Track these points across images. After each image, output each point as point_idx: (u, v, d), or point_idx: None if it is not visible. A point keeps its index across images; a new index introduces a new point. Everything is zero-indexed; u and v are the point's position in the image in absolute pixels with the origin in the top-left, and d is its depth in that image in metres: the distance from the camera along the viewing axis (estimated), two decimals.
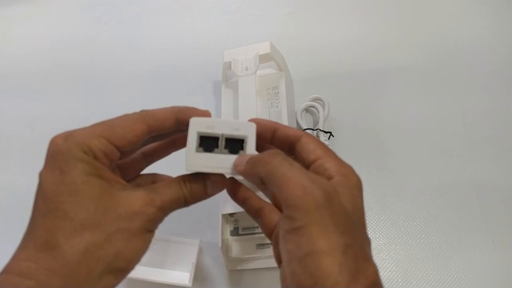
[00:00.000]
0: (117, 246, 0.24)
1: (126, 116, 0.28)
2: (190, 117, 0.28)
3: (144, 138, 0.28)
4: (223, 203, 0.43)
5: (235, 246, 0.44)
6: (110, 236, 0.24)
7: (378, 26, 0.62)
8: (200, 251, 0.47)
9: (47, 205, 0.24)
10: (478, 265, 0.45)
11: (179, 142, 0.32)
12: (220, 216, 0.44)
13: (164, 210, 0.27)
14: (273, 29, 0.63)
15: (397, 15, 0.62)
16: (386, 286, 0.45)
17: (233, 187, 0.31)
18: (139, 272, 0.43)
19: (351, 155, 0.52)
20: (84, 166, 0.25)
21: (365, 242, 0.26)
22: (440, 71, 0.57)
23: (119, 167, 0.30)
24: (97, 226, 0.24)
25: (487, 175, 0.50)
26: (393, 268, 0.46)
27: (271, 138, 0.30)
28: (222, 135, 0.27)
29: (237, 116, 0.46)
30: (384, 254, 0.47)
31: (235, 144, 0.27)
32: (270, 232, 0.29)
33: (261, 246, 0.44)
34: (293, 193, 0.24)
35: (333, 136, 0.51)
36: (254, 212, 0.30)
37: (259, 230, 0.42)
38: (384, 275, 0.46)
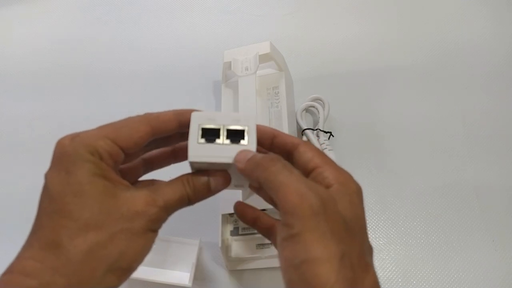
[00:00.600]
0: (120, 246, 0.25)
1: (130, 118, 0.28)
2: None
3: (148, 139, 0.28)
4: (223, 203, 0.43)
5: (235, 246, 0.44)
6: (113, 236, 0.24)
7: (378, 26, 0.62)
8: (200, 251, 0.47)
9: (52, 205, 0.25)
10: (478, 265, 0.45)
11: (180, 154, 0.32)
12: (220, 216, 0.44)
13: (167, 209, 0.27)
14: (273, 29, 0.63)
15: (397, 15, 0.62)
16: (386, 286, 0.45)
17: (242, 210, 0.32)
18: (139, 272, 0.42)
19: (351, 155, 0.52)
20: (89, 166, 0.25)
21: (366, 250, 0.26)
22: (440, 71, 0.57)
23: (120, 172, 0.30)
24: (100, 226, 0.24)
25: (487, 175, 0.50)
26: (393, 268, 0.46)
27: (270, 144, 0.30)
28: (223, 126, 0.28)
29: None
30: (384, 254, 0.47)
31: (236, 135, 0.28)
32: None
33: (261, 246, 0.44)
34: (290, 200, 0.24)
35: (333, 136, 0.51)
36: (265, 230, 0.31)
37: None
38: (384, 275, 0.46)
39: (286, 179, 0.25)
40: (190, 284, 0.43)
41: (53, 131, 0.57)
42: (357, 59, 0.59)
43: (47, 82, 0.62)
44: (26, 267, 0.23)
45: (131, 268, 0.26)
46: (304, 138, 0.50)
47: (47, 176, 0.26)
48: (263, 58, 0.49)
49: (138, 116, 0.28)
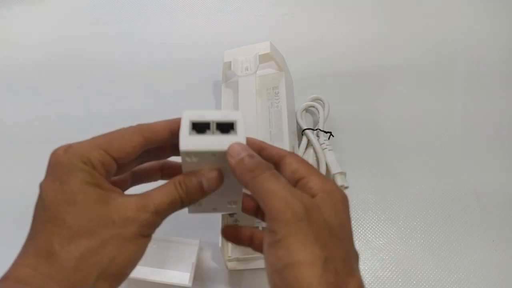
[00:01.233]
0: (112, 252, 0.25)
1: (123, 129, 0.29)
2: None
3: (141, 149, 0.29)
4: None
5: (235, 246, 0.44)
6: (105, 242, 0.25)
7: (379, 26, 0.62)
8: (200, 251, 0.47)
9: (46, 213, 0.25)
10: (478, 265, 0.45)
11: (168, 171, 0.33)
12: (220, 216, 0.44)
13: (159, 214, 0.27)
14: (273, 29, 0.63)
15: (397, 15, 0.62)
16: (386, 286, 0.45)
17: (234, 232, 0.32)
18: (139, 272, 0.43)
19: (351, 155, 0.52)
20: (82, 175, 0.26)
21: (352, 256, 0.26)
22: (441, 71, 0.57)
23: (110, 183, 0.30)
24: (92, 233, 0.25)
25: (487, 175, 0.50)
26: (393, 268, 0.46)
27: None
28: (213, 121, 0.28)
29: None
30: (384, 254, 0.47)
31: (226, 127, 0.28)
32: None
33: None
34: (275, 206, 0.25)
35: (333, 136, 0.51)
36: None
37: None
38: (384, 275, 0.46)
39: (273, 186, 0.26)
40: (190, 284, 0.43)
41: (53, 131, 0.58)
42: (357, 59, 0.59)
43: (47, 82, 0.62)
44: (21, 274, 0.24)
45: (123, 274, 0.26)
46: (304, 138, 0.50)
47: (42, 185, 0.26)
48: (263, 58, 0.49)
49: (131, 127, 0.29)
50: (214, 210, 0.32)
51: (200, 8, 0.66)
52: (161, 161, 0.33)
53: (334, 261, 0.24)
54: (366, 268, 0.46)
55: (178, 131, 0.29)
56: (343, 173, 0.48)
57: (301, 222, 0.24)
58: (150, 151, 0.30)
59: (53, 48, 0.65)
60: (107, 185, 0.27)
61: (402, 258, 0.46)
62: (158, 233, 0.28)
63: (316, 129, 0.51)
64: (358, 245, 0.29)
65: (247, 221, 0.45)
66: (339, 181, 0.46)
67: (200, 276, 0.46)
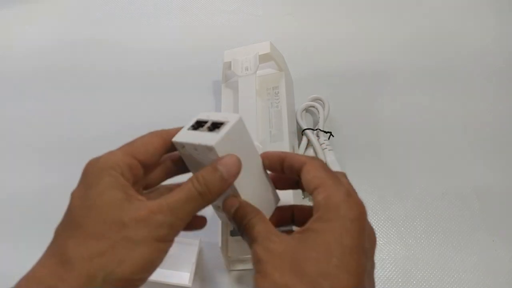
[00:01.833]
0: (120, 254, 0.25)
1: (141, 136, 0.30)
2: None
3: (163, 151, 0.30)
4: None
5: (235, 246, 0.44)
6: (114, 244, 0.25)
7: (379, 27, 0.62)
8: (200, 251, 0.47)
9: (68, 218, 0.27)
10: (478, 265, 0.45)
11: None
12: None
13: (175, 213, 0.26)
14: (273, 29, 0.63)
15: (398, 15, 0.62)
16: (386, 286, 0.45)
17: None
18: None
19: (351, 155, 0.52)
20: (108, 180, 0.27)
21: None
22: (441, 71, 0.57)
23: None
24: (102, 235, 0.25)
25: (488, 175, 0.50)
26: (393, 268, 0.46)
27: (281, 168, 0.31)
28: (211, 120, 0.30)
29: None
30: (384, 254, 0.47)
31: (215, 126, 0.29)
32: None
33: None
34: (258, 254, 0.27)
35: (333, 136, 0.51)
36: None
37: None
38: (384, 275, 0.46)
39: (261, 228, 0.28)
40: (190, 284, 0.43)
41: (53, 131, 0.58)
42: (358, 59, 0.59)
43: (47, 82, 0.62)
44: (37, 274, 0.25)
45: (133, 279, 0.25)
46: (304, 138, 0.50)
47: (73, 192, 0.28)
48: (263, 58, 0.49)
49: (149, 133, 0.30)
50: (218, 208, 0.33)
51: (200, 8, 0.66)
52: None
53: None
54: None
55: None
56: (343, 173, 0.48)
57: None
58: (177, 163, 0.32)
59: (53, 48, 0.65)
60: (131, 191, 0.27)
61: (402, 258, 0.46)
62: (171, 244, 0.27)
63: (316, 129, 0.51)
64: (375, 259, 0.28)
65: None
66: None
67: (200, 276, 0.46)
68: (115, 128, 0.55)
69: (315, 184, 0.28)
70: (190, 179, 0.28)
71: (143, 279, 0.26)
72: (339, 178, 0.28)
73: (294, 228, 0.34)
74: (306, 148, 0.50)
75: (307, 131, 0.50)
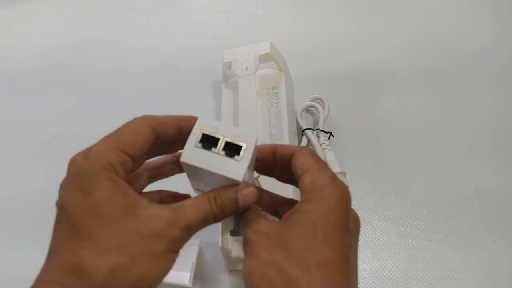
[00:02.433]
0: (141, 268, 0.24)
1: (129, 124, 0.28)
2: (192, 125, 0.28)
3: (152, 141, 0.28)
4: None
5: (235, 246, 0.44)
6: (135, 258, 0.24)
7: (379, 27, 0.62)
8: (200, 251, 0.47)
9: (72, 228, 0.25)
10: (478, 265, 0.45)
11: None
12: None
13: (190, 230, 0.26)
14: (273, 29, 0.63)
15: (398, 16, 0.62)
16: (386, 286, 0.45)
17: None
18: None
19: (351, 155, 0.52)
20: (107, 184, 0.25)
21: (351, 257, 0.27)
22: (441, 71, 0.57)
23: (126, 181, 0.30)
24: (121, 249, 0.24)
25: (488, 175, 0.50)
26: (393, 268, 0.46)
27: (272, 160, 0.31)
28: (223, 137, 0.28)
29: (237, 116, 0.46)
30: (384, 254, 0.47)
31: (232, 149, 0.28)
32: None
33: None
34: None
35: (333, 136, 0.51)
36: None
37: None
38: (384, 275, 0.46)
39: (253, 216, 0.28)
40: (190, 284, 0.43)
41: (53, 131, 0.57)
42: (358, 59, 0.59)
43: (48, 82, 0.62)
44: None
45: None
46: (304, 138, 0.50)
47: (63, 196, 0.25)
48: (263, 58, 0.49)
49: (136, 120, 0.28)
50: None
51: (200, 8, 0.66)
52: (176, 154, 0.32)
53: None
54: (366, 268, 0.46)
55: (184, 128, 0.29)
56: (343, 173, 0.48)
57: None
58: (159, 145, 0.30)
59: (53, 48, 0.65)
60: (133, 192, 0.26)
61: (402, 258, 0.46)
62: (179, 254, 0.27)
63: (316, 129, 0.51)
64: (358, 245, 0.28)
65: None
66: None
67: (200, 276, 0.46)
68: (115, 127, 0.55)
69: (303, 169, 0.28)
70: (208, 198, 0.27)
71: None
72: (326, 165, 0.29)
73: None
74: None
75: (307, 131, 0.50)
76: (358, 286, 0.27)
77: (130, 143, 0.27)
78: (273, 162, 0.31)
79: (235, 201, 0.28)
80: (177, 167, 0.32)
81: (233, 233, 0.45)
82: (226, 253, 0.44)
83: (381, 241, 0.47)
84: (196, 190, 0.33)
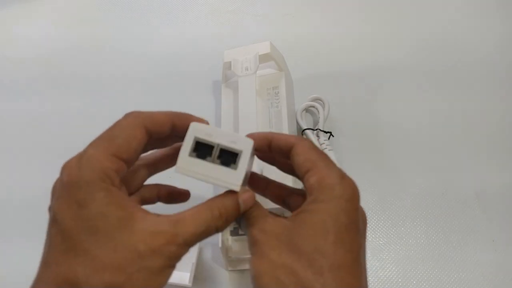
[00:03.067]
0: (138, 286, 0.24)
1: (120, 122, 0.27)
2: (186, 123, 0.28)
3: (145, 142, 0.28)
4: None
5: (235, 246, 0.44)
6: (131, 276, 0.23)
7: (379, 26, 0.62)
8: (200, 251, 0.47)
9: (66, 242, 0.24)
10: (478, 265, 0.45)
11: None
12: None
13: (189, 245, 0.26)
14: (273, 29, 0.63)
15: (398, 15, 0.62)
16: (386, 286, 0.45)
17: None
18: None
19: (351, 155, 0.52)
20: (102, 196, 0.24)
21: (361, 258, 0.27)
22: (441, 71, 0.57)
23: (123, 181, 0.29)
24: (117, 266, 0.23)
25: (488, 175, 0.50)
26: (393, 268, 0.46)
27: (268, 150, 0.30)
28: (218, 145, 0.27)
29: (237, 116, 0.46)
30: (384, 254, 0.47)
31: (228, 157, 0.27)
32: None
33: None
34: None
35: (333, 136, 0.51)
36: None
37: None
38: (384, 275, 0.46)
39: (257, 213, 0.28)
40: (190, 284, 0.43)
41: (54, 131, 0.57)
42: (357, 59, 0.59)
43: (48, 83, 0.62)
44: None
45: None
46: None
47: (56, 209, 0.25)
48: (263, 58, 0.49)
49: (128, 119, 0.27)
50: None
51: (200, 8, 0.66)
52: (173, 147, 0.32)
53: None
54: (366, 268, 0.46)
55: (179, 127, 0.28)
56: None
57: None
58: (153, 141, 0.29)
59: (53, 49, 0.65)
60: (128, 202, 0.25)
61: (402, 258, 0.46)
62: (176, 267, 0.27)
63: (316, 129, 0.51)
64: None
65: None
66: None
67: (200, 276, 0.46)
68: None
69: (307, 167, 0.27)
70: (210, 208, 0.27)
71: None
72: (330, 160, 0.28)
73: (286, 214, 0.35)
74: None
75: (307, 131, 0.50)
76: None
77: (124, 148, 0.26)
78: (268, 151, 0.30)
79: (237, 208, 0.27)
80: (174, 159, 0.31)
81: (233, 233, 0.45)
82: (226, 253, 0.44)
83: (381, 241, 0.47)
84: None
